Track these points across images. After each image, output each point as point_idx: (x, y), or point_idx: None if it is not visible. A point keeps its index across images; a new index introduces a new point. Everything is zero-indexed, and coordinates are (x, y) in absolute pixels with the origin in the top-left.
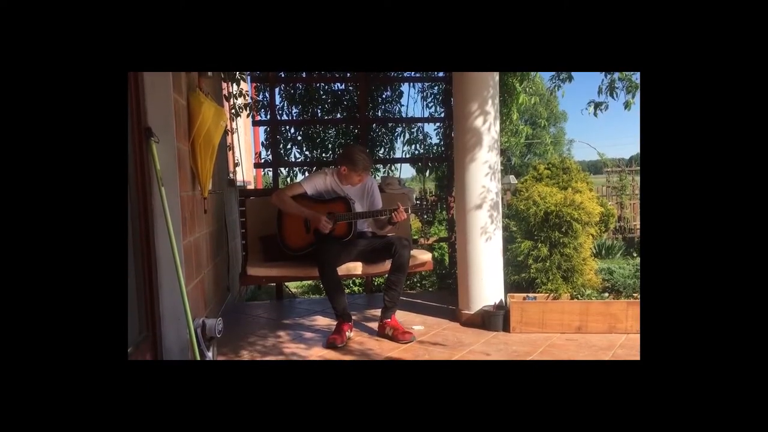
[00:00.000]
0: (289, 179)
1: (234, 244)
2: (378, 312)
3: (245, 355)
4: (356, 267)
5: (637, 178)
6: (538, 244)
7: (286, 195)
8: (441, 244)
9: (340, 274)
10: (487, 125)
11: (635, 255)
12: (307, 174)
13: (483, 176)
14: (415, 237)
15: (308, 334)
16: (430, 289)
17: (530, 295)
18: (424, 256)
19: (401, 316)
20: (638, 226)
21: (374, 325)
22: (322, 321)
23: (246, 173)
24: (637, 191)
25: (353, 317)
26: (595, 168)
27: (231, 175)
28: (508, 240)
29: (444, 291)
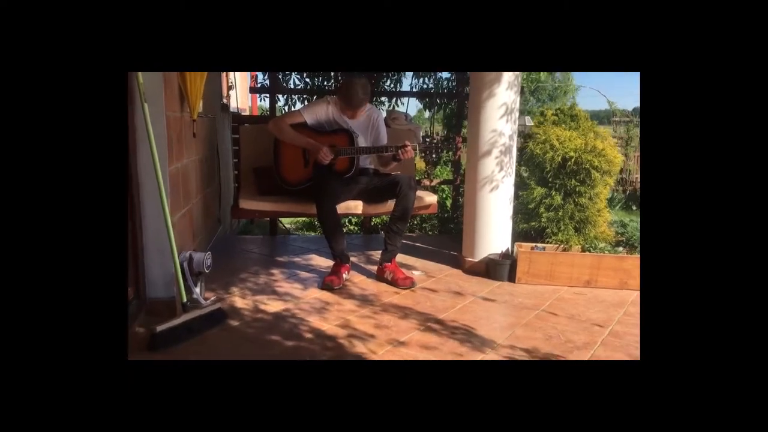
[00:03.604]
0: (286, 107)
1: (226, 173)
2: (377, 253)
3: (235, 292)
4: (357, 206)
5: None
6: (552, 192)
7: (284, 122)
8: (444, 186)
9: (339, 212)
10: None
11: (635, 208)
12: (306, 102)
13: (499, 117)
14: (419, 178)
15: (303, 274)
16: (431, 233)
17: (539, 245)
18: (429, 198)
19: (401, 260)
20: (639, 179)
21: (373, 268)
22: (318, 260)
23: (240, 100)
24: None
25: (351, 258)
26: (597, 117)
27: (224, 99)
28: (519, 186)
29: (445, 236)
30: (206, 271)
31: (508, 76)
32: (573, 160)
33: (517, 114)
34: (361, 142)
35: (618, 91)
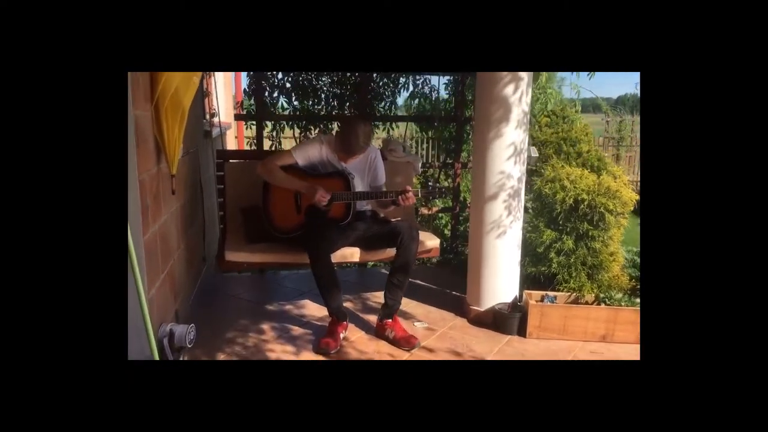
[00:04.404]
0: (275, 134)
1: (210, 203)
2: (374, 296)
3: (222, 359)
4: (353, 254)
5: (637, 128)
6: (563, 236)
7: (274, 164)
8: (442, 214)
9: (334, 261)
10: (518, 94)
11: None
12: (295, 128)
13: (507, 159)
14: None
15: (296, 330)
16: (429, 264)
17: (549, 294)
18: (431, 241)
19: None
20: (634, 180)
21: (371, 317)
22: (311, 308)
23: (225, 115)
24: (635, 142)
25: (346, 298)
26: (582, 106)
27: (207, 125)
28: (524, 221)
29: (445, 268)
30: (189, 346)
31: (516, 114)
32: (586, 203)
33: (526, 154)
34: (358, 183)
35: (600, 78)
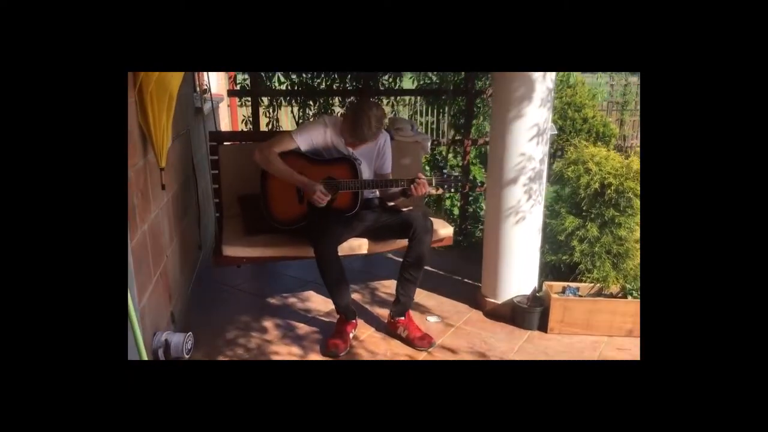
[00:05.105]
0: (271, 110)
1: (204, 183)
2: (383, 285)
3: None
4: (361, 245)
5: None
6: (587, 223)
7: (272, 152)
8: (452, 194)
9: (341, 254)
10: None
11: None
12: (293, 104)
13: (529, 140)
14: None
15: (301, 327)
16: (437, 248)
17: (571, 285)
18: (444, 230)
19: None
20: (636, 144)
21: (380, 311)
22: (316, 300)
23: (218, 87)
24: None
25: (352, 291)
26: None
27: (198, 101)
28: (544, 209)
29: (454, 251)
30: (186, 356)
31: (540, 92)
32: (613, 188)
33: (549, 134)
34: (365, 169)
35: None
